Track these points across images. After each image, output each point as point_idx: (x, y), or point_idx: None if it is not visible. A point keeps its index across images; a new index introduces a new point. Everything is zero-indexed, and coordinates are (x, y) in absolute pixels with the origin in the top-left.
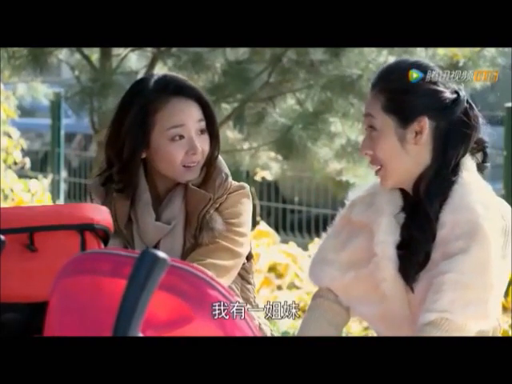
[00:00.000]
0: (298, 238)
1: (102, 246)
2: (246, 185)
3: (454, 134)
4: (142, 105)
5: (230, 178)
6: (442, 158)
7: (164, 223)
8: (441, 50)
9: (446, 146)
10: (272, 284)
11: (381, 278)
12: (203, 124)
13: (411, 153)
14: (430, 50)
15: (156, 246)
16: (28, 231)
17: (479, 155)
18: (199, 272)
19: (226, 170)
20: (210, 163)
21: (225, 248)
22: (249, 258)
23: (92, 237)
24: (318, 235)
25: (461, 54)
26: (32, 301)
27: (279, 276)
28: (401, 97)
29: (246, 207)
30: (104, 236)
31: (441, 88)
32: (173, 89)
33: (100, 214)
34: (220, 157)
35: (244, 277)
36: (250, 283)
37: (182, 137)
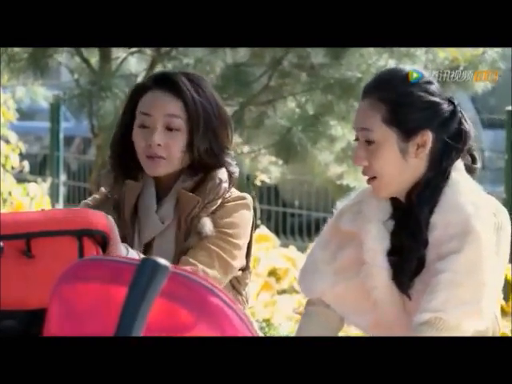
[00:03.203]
0: (298, 242)
1: (101, 251)
2: (247, 195)
3: (449, 145)
4: (131, 92)
5: (226, 184)
6: (438, 168)
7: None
8: (441, 54)
9: (442, 157)
10: (272, 288)
11: (372, 286)
12: (178, 122)
13: (410, 165)
14: (431, 54)
15: (149, 245)
16: (25, 237)
17: (469, 157)
18: (201, 279)
19: (222, 175)
20: (199, 166)
21: (219, 257)
22: (244, 268)
23: (90, 242)
24: None
25: (461, 57)
26: (30, 308)
27: (279, 280)
28: (402, 109)
29: (244, 218)
30: (102, 241)
31: (439, 99)
32: (158, 80)
33: (98, 219)
34: (224, 165)
35: (235, 287)
36: (240, 294)
37: (146, 126)
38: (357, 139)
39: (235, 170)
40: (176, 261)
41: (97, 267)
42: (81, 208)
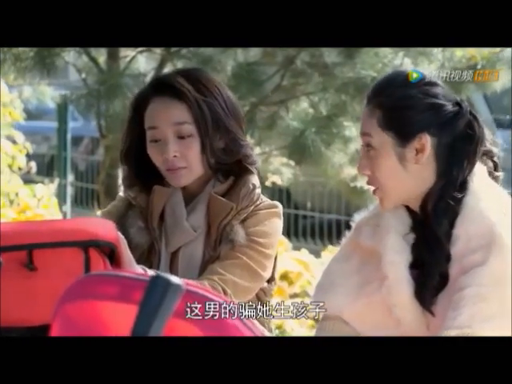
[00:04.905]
0: (310, 245)
1: (109, 264)
2: (278, 203)
3: (458, 150)
4: (133, 105)
5: (259, 190)
6: (448, 176)
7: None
8: (458, 52)
9: (451, 163)
10: (284, 293)
11: (393, 303)
12: (187, 127)
13: (413, 172)
14: (448, 52)
15: (176, 254)
16: (27, 249)
17: (490, 163)
18: (217, 297)
19: (255, 181)
20: (226, 168)
21: (248, 267)
22: (270, 280)
23: (97, 254)
24: (331, 241)
25: (478, 55)
26: (31, 324)
27: (291, 284)
28: (397, 113)
29: (276, 228)
30: (110, 253)
31: (441, 101)
32: (155, 87)
33: (105, 228)
34: (253, 167)
35: (261, 298)
36: (266, 306)
37: (157, 140)
38: (363, 147)
39: (256, 160)
40: (202, 269)
41: (104, 283)
42: (86, 217)
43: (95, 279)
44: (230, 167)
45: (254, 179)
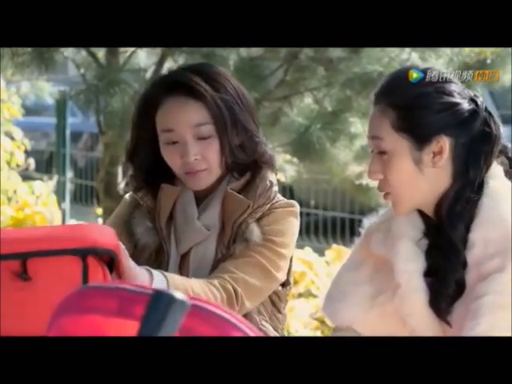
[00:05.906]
0: (313, 243)
1: (107, 273)
2: (295, 203)
3: (474, 150)
4: (142, 106)
5: (276, 188)
6: (465, 177)
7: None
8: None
9: (468, 164)
10: (289, 294)
11: (407, 313)
12: (207, 128)
13: (428, 176)
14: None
15: (187, 254)
16: (20, 257)
17: (504, 160)
18: (223, 312)
19: (273, 178)
20: (242, 164)
21: (261, 266)
22: (285, 284)
23: (95, 262)
24: (335, 239)
25: (487, 49)
26: None
27: (295, 284)
28: (414, 114)
29: (292, 228)
30: (109, 261)
31: (457, 99)
32: (168, 87)
33: (104, 235)
34: (270, 164)
35: (275, 304)
36: (280, 312)
37: (174, 142)
38: (372, 150)
39: (272, 156)
40: (214, 268)
41: (102, 297)
42: (84, 224)
43: (92, 292)
44: (246, 166)
45: (272, 176)
